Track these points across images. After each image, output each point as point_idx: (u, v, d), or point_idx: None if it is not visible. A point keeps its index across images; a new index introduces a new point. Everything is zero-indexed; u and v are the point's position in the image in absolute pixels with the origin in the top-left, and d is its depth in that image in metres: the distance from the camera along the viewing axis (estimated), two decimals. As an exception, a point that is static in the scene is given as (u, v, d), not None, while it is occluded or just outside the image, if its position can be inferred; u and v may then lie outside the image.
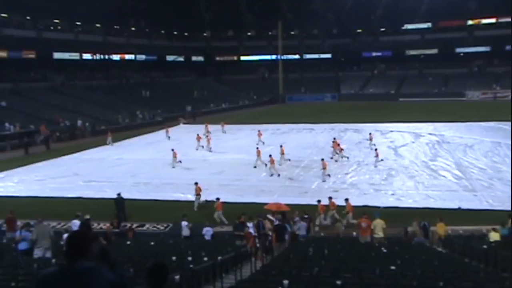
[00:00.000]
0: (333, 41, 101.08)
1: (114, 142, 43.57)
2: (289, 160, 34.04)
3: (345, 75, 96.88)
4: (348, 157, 34.72)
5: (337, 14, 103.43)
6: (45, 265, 11.62)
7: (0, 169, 33.34)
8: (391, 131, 47.71)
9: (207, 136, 42.64)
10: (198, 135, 41.44)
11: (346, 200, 22.13)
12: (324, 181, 28.53)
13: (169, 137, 46.31)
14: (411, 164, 32.38)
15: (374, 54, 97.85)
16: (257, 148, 34.56)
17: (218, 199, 22.65)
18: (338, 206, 22.04)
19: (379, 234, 17.09)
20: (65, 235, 16.41)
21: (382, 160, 33.02)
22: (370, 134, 41.95)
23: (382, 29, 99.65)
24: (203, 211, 22.72)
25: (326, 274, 10.40)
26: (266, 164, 31.46)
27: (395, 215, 20.54)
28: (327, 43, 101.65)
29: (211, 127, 47.47)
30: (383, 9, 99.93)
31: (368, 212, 19.25)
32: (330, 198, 22.38)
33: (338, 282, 8.97)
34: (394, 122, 52.12)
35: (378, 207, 22.02)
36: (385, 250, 14.45)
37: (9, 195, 26.81)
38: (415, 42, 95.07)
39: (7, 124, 46.79)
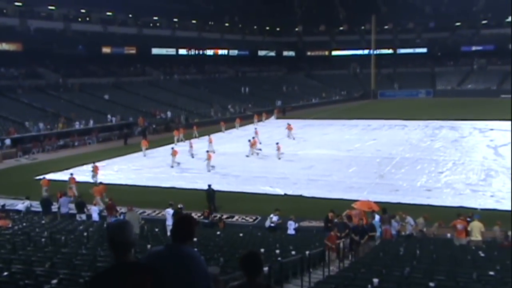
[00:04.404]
0: (429, 34, 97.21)
1: (205, 135, 44.80)
2: (260, 150, 35.69)
3: (442, 70, 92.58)
4: (261, 149, 35.90)
5: (435, 6, 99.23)
6: (142, 249, 12.23)
7: (102, 158, 35.43)
8: (491, 129, 45.11)
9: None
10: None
11: (71, 175, 25.80)
12: (208, 171, 30.16)
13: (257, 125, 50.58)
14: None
15: (474, 48, 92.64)
16: (253, 138, 37.50)
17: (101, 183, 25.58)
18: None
19: (477, 237, 16.20)
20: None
21: (280, 156, 33.77)
22: (288, 124, 43.18)
23: (484, 22, 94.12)
24: (289, 204, 22.75)
25: (418, 275, 10.05)
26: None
27: (495, 218, 19.34)
28: (423, 37, 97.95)
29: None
30: (486, 0, 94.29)
31: (464, 213, 18.34)
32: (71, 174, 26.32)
33: (431, 284, 8.65)
34: (494, 120, 49.12)
35: (475, 209, 20.90)
36: (482, 254, 13.68)
37: (110, 182, 28.41)
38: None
39: (109, 116, 49.72)
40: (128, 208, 17.70)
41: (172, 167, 31.93)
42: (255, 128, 44.65)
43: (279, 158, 33.85)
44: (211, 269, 4.05)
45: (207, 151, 32.52)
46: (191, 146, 36.26)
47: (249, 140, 36.58)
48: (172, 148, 33.24)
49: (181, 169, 31.59)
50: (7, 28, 57.33)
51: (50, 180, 26.12)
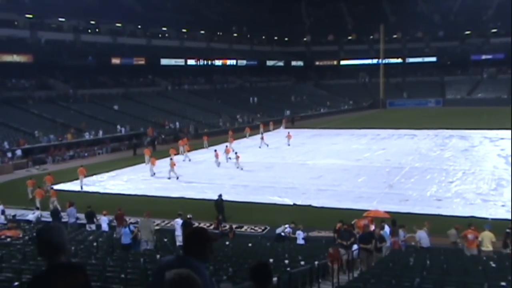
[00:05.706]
0: (438, 44, 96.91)
1: (213, 145, 44.90)
2: (230, 158, 36.24)
3: (451, 79, 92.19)
4: (230, 158, 36.33)
5: (444, 15, 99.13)
6: (151, 259, 12.25)
7: (111, 168, 35.65)
8: (502, 139, 44.80)
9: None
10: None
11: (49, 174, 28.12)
12: (169, 177, 31.36)
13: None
14: (524, 174, 30.08)
15: (484, 56, 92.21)
16: (226, 146, 38.66)
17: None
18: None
19: (488, 247, 16.03)
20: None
21: (241, 169, 33.70)
22: (261, 134, 45.63)
23: (494, 30, 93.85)
24: (298, 214, 22.67)
25: (428, 286, 9.97)
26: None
27: (506, 228, 19.14)
28: (432, 46, 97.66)
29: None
30: (495, 9, 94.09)
31: (475, 223, 18.17)
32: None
33: (442, 295, 8.57)
34: (505, 129, 48.72)
35: (486, 219, 20.68)
36: (494, 265, 13.54)
37: (119, 192, 28.60)
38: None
39: (118, 126, 50.00)
40: (145, 216, 17.78)
41: (169, 178, 31.72)
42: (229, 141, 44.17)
43: (241, 168, 33.83)
44: (224, 286, 4.01)
45: (171, 159, 33.02)
46: (173, 154, 36.38)
47: (215, 150, 36.61)
48: (171, 159, 33.48)
49: (190, 179, 31.63)
50: (18, 40, 57.99)
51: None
